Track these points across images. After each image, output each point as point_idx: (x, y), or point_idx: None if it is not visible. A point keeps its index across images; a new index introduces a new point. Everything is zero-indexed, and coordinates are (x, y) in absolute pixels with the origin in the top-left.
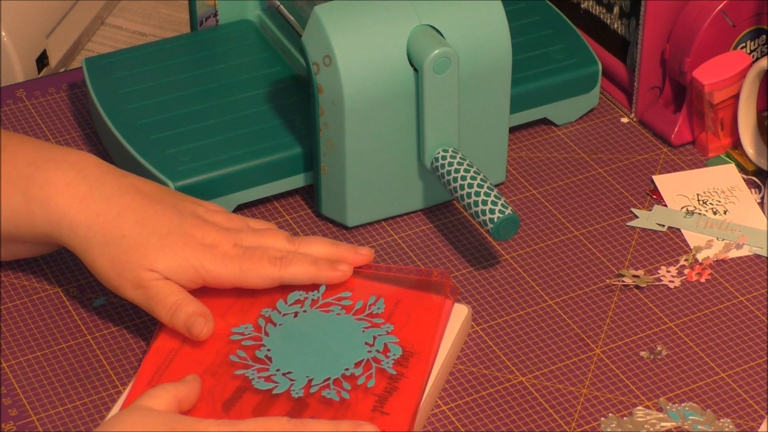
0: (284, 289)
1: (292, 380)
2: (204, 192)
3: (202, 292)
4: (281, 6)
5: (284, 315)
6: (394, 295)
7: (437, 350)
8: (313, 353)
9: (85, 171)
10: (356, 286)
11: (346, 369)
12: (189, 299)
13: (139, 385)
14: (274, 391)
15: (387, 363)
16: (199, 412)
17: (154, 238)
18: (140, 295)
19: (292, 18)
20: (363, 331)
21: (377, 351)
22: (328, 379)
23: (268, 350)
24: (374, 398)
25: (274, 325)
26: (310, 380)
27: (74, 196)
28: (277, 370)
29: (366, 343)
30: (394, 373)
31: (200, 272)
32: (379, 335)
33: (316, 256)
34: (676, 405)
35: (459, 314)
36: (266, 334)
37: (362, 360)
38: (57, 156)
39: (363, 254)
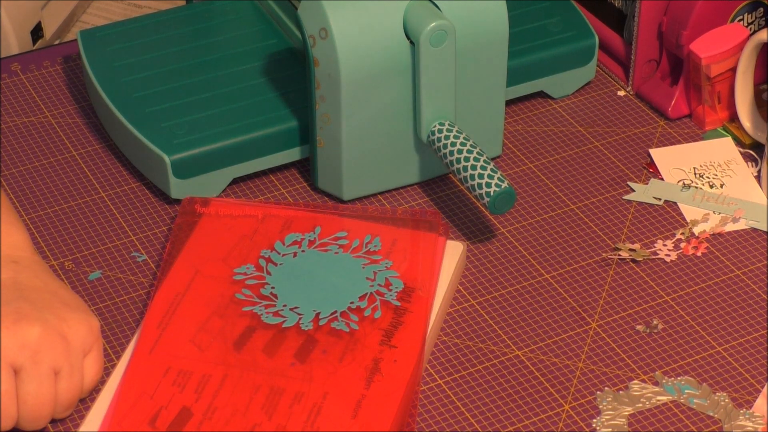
0: (281, 231)
1: (299, 314)
2: (200, 165)
3: (200, 234)
4: None
5: (283, 255)
6: (389, 233)
7: (437, 285)
8: (317, 289)
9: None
10: (351, 226)
11: (352, 302)
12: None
13: (148, 330)
14: (283, 325)
15: (390, 296)
16: (212, 352)
17: None
18: None
19: None
20: (363, 268)
21: (379, 285)
22: (335, 312)
23: (272, 288)
24: (381, 332)
25: (275, 264)
26: (318, 314)
27: None
28: (284, 305)
29: (367, 278)
30: (399, 305)
31: None
32: (379, 271)
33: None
34: (672, 379)
35: (455, 251)
36: (268, 273)
37: (366, 293)
38: None
39: None
